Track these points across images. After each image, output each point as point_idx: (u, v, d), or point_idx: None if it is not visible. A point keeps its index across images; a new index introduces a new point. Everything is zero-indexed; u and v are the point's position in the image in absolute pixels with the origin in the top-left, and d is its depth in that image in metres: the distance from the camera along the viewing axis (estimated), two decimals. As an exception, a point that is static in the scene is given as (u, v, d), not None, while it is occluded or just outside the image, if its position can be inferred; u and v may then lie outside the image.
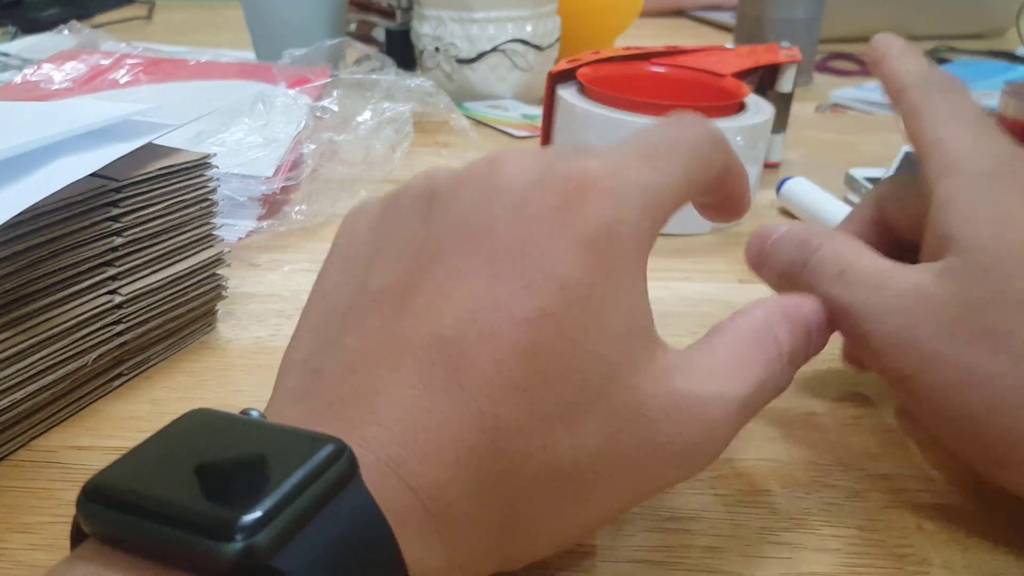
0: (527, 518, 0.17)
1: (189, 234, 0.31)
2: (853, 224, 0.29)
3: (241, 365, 0.31)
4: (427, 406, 0.17)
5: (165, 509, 0.13)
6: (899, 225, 0.27)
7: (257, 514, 0.13)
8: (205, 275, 0.32)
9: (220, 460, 0.15)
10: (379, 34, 0.77)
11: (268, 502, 0.13)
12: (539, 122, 0.55)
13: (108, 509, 0.14)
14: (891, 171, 0.48)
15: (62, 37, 0.72)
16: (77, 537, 0.15)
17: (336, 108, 0.51)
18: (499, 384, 0.17)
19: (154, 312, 0.30)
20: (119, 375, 0.29)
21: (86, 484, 0.14)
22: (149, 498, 0.14)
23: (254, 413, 0.16)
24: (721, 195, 0.23)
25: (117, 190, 0.27)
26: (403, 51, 0.71)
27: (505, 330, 0.17)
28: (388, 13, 0.75)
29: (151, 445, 0.15)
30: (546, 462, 0.17)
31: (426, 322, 0.17)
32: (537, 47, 0.65)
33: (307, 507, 0.14)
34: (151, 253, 0.29)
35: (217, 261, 0.32)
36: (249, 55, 0.71)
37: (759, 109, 0.45)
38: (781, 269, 0.24)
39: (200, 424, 0.16)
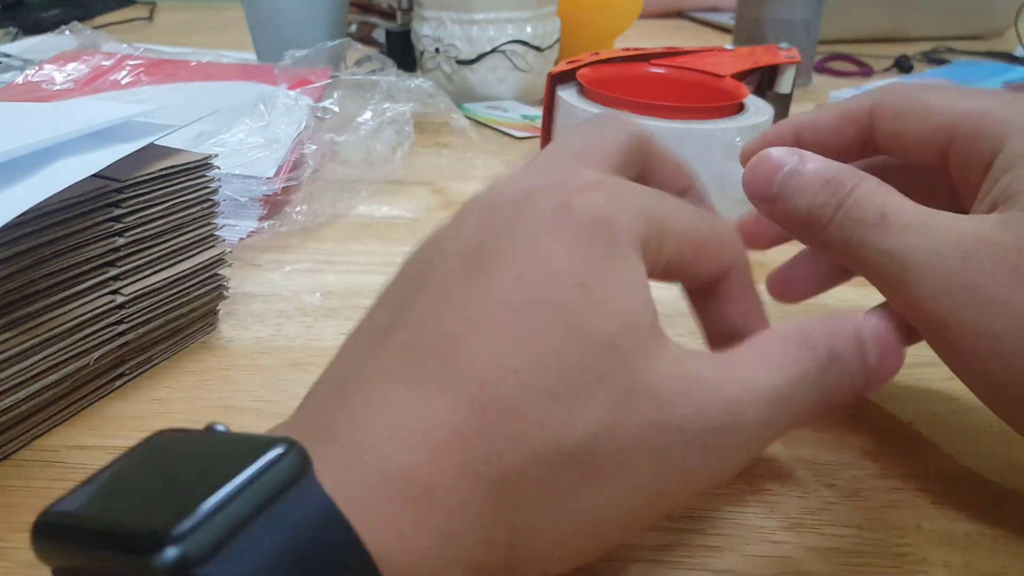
0: (528, 505, 0.16)
1: (191, 234, 0.31)
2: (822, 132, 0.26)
3: (242, 365, 0.31)
4: (407, 397, 0.16)
5: (102, 531, 0.13)
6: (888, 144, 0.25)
7: (187, 522, 0.12)
8: (207, 275, 0.32)
9: (166, 474, 0.14)
10: (379, 35, 0.77)
11: (201, 508, 0.13)
12: (539, 123, 0.55)
13: (55, 541, 0.14)
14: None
15: (64, 38, 0.72)
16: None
17: (337, 109, 0.52)
18: (491, 369, 0.16)
19: (156, 312, 0.30)
20: (121, 375, 0.30)
21: (35, 520, 0.14)
22: (88, 524, 0.13)
23: (220, 427, 0.16)
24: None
25: (119, 191, 0.27)
26: (403, 52, 0.71)
27: (497, 320, 0.17)
28: (388, 14, 0.76)
29: (105, 471, 0.15)
30: (544, 440, 0.16)
31: (416, 330, 0.17)
32: (537, 48, 0.66)
33: (247, 510, 0.13)
34: (153, 253, 0.29)
35: (218, 261, 0.32)
36: (250, 56, 0.71)
37: (758, 110, 0.45)
38: (804, 212, 0.22)
39: (158, 444, 0.15)
